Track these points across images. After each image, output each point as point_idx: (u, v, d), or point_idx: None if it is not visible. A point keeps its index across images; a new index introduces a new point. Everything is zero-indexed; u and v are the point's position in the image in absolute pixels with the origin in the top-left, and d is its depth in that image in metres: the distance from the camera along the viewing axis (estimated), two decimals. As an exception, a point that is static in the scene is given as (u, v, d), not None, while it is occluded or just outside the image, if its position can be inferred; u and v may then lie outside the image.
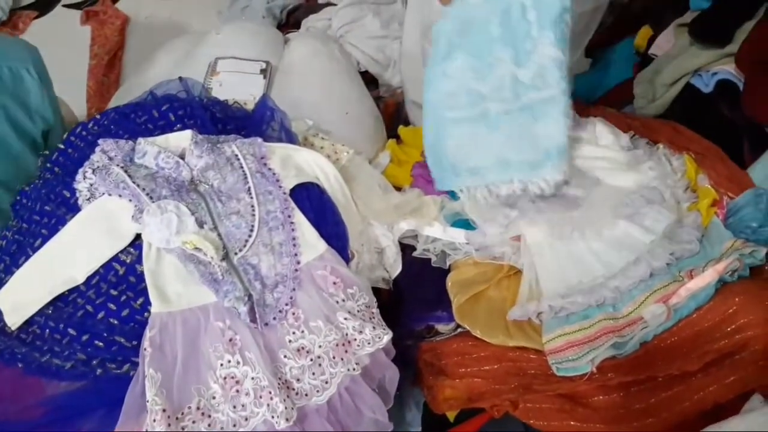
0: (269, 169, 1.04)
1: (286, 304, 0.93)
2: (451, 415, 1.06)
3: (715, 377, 0.91)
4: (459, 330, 1.07)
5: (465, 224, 1.15)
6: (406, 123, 1.68)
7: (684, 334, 0.95)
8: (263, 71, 1.31)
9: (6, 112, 1.11)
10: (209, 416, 0.84)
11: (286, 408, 0.84)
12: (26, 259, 0.98)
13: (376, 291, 1.04)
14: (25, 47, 1.18)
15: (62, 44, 1.92)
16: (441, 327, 1.09)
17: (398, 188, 1.26)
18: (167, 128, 1.08)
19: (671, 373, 0.94)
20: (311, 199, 1.05)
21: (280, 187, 1.03)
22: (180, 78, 1.16)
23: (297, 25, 1.92)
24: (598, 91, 1.56)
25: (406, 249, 1.16)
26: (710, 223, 1.08)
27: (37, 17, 2.16)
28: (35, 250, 0.98)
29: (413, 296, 1.12)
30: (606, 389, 0.97)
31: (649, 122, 1.36)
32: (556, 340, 0.97)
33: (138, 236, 0.97)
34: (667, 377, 0.95)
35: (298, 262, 0.97)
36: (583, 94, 1.57)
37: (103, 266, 0.96)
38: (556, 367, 0.95)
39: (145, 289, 0.92)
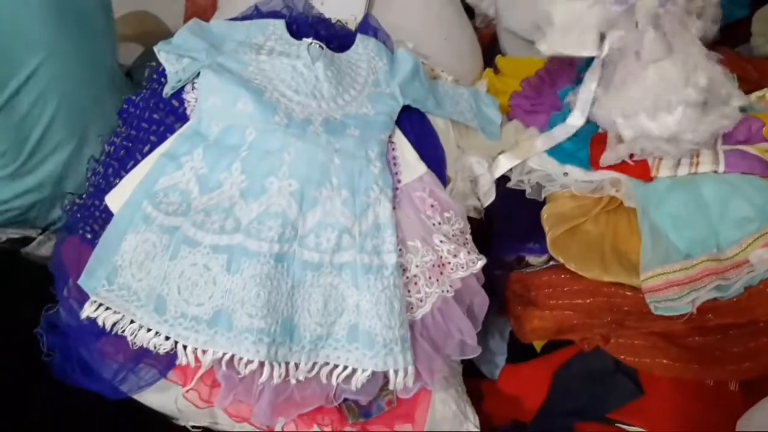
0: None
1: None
2: (538, 345, 1.07)
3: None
4: (551, 263, 1.06)
5: (563, 155, 1.12)
6: (502, 54, 1.64)
7: (793, 281, 0.92)
8: (365, -9, 1.30)
9: None
10: None
11: None
12: (135, 164, 1.01)
13: (468, 219, 1.03)
14: None
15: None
16: (532, 259, 1.08)
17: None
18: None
19: (775, 318, 0.91)
20: (412, 122, 1.04)
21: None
22: (283, -6, 1.15)
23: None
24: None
25: (500, 179, 1.14)
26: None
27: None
28: (144, 155, 1.02)
29: (505, 227, 1.11)
30: (703, 330, 0.95)
31: (764, 65, 1.29)
32: (655, 278, 0.95)
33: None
34: (769, 322, 0.93)
35: (399, 181, 0.97)
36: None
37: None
38: (654, 305, 0.93)
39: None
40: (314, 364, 0.85)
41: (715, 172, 1.03)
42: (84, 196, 1.08)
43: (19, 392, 0.98)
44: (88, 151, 1.15)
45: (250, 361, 0.81)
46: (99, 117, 1.16)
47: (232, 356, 0.82)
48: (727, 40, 1.40)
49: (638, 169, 1.06)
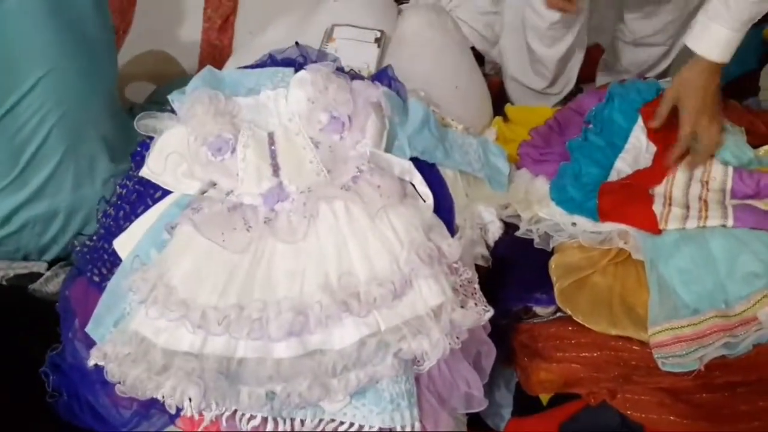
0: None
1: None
2: (544, 398, 1.05)
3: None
4: (558, 314, 1.06)
5: (571, 206, 1.13)
6: (510, 101, 1.66)
7: (802, 339, 0.92)
8: (377, 40, 1.32)
9: None
10: None
11: None
12: (145, 209, 1.02)
13: (475, 268, 1.03)
14: None
15: (175, 6, 1.98)
16: (539, 309, 1.08)
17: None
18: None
19: (784, 377, 0.91)
20: (422, 170, 1.05)
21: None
22: (297, 43, 1.17)
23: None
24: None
25: (508, 228, 1.15)
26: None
27: (152, -21, 2.23)
28: (155, 201, 1.03)
29: (513, 276, 1.11)
30: (710, 387, 0.94)
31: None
32: (662, 333, 0.95)
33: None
34: (778, 382, 0.92)
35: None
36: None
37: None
38: (662, 362, 0.93)
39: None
40: (320, 420, 0.85)
41: (724, 226, 1.04)
42: (94, 237, 1.09)
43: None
44: (77, 168, 1.17)
45: (252, 417, 0.81)
46: (93, 137, 1.19)
47: (235, 410, 0.82)
48: (736, 94, 1.41)
49: (646, 221, 1.07)
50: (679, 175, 1.14)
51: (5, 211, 1.16)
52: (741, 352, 0.92)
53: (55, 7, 1.07)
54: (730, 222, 1.04)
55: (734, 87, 1.46)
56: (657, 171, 1.16)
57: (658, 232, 1.05)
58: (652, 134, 1.18)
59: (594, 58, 1.73)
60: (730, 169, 1.13)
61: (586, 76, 1.72)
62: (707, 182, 1.13)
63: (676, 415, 0.93)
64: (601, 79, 1.75)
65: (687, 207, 1.09)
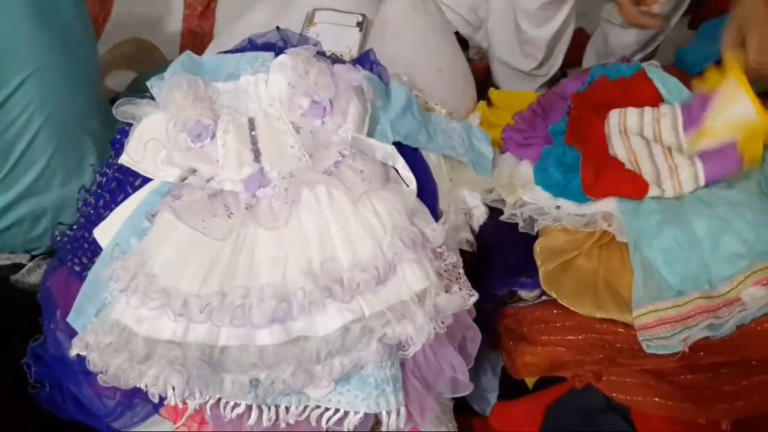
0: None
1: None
2: (530, 382, 1.06)
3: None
4: (543, 298, 1.06)
5: (555, 189, 1.12)
6: (495, 86, 1.65)
7: (785, 319, 0.92)
8: (359, 24, 1.31)
9: None
10: None
11: None
12: (125, 197, 1.01)
13: (459, 252, 1.03)
14: None
15: (156, -7, 1.96)
16: (524, 293, 1.08)
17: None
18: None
19: (767, 357, 0.91)
20: (404, 155, 1.04)
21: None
22: (277, 28, 1.16)
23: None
24: (705, 63, 1.48)
25: (493, 212, 1.14)
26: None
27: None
28: (135, 189, 1.01)
29: (497, 260, 1.11)
30: (695, 368, 0.95)
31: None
32: (647, 315, 0.95)
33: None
34: (761, 361, 0.92)
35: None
36: (688, 66, 1.51)
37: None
38: (646, 344, 0.93)
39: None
40: (305, 407, 0.85)
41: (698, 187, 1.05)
42: (74, 227, 1.07)
43: (7, 423, 0.97)
44: (66, 166, 1.17)
45: (236, 405, 0.80)
46: (81, 133, 1.18)
47: (219, 399, 0.81)
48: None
49: (632, 183, 1.07)
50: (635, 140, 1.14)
51: None
52: (725, 333, 0.92)
53: (36, 3, 1.05)
54: (701, 180, 1.04)
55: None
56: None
57: (646, 191, 1.05)
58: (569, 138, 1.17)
59: (577, 43, 1.73)
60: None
61: (571, 61, 1.72)
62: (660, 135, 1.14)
63: (661, 397, 0.94)
64: (587, 61, 1.75)
65: (656, 168, 1.09)
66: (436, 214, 1.02)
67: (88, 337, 0.85)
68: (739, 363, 0.94)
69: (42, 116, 1.10)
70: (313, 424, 0.85)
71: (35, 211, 1.18)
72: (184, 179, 0.98)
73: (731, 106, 1.03)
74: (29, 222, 1.19)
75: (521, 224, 1.12)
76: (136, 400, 0.89)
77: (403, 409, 0.86)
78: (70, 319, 0.91)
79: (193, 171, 0.99)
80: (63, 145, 1.15)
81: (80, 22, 1.16)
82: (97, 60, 1.28)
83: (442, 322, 0.91)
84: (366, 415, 0.85)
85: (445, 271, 0.95)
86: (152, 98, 1.08)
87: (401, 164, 1.00)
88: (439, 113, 1.20)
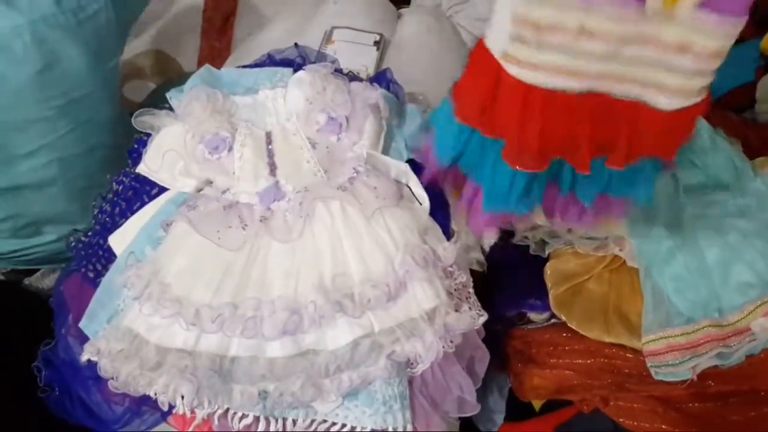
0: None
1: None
2: (537, 405, 1.06)
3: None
4: (552, 321, 1.06)
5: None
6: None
7: (795, 351, 0.92)
8: (377, 43, 1.32)
9: None
10: None
11: None
12: (141, 205, 1.02)
13: (470, 272, 1.03)
14: None
15: (176, 6, 1.98)
16: (534, 315, 1.08)
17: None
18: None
19: (777, 388, 0.91)
20: (418, 174, 1.05)
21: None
22: (296, 44, 1.17)
23: (407, 1, 1.91)
24: (717, 91, 1.49)
25: (504, 234, 1.14)
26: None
27: (151, -21, 2.23)
28: (152, 197, 1.02)
29: (508, 282, 1.11)
30: (703, 396, 0.95)
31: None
32: (656, 342, 0.95)
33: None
34: (771, 392, 0.92)
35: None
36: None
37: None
38: (655, 370, 0.93)
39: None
40: (312, 421, 0.85)
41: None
42: (89, 233, 1.08)
43: (15, 426, 0.97)
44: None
45: (244, 416, 0.80)
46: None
47: (227, 409, 0.82)
48: (732, 106, 1.42)
49: None
50: None
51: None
52: (734, 362, 0.93)
53: (41, 85, 1.05)
54: None
55: (730, 99, 1.47)
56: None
57: None
58: None
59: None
60: None
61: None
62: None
63: (668, 424, 0.93)
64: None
65: None
66: (448, 233, 1.03)
67: (100, 343, 0.86)
68: (747, 393, 0.94)
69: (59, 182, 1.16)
70: (320, 438, 0.85)
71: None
72: (200, 190, 0.99)
73: None
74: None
75: (533, 247, 1.12)
76: (144, 407, 0.89)
77: (409, 427, 0.86)
78: (82, 324, 0.92)
79: (210, 182, 1.00)
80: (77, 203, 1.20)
81: (101, 88, 1.16)
82: (119, 111, 1.25)
83: (451, 341, 0.91)
84: (373, 431, 0.85)
85: (455, 290, 0.95)
86: (171, 109, 1.09)
87: (414, 182, 1.00)
88: (453, 133, 1.20)
